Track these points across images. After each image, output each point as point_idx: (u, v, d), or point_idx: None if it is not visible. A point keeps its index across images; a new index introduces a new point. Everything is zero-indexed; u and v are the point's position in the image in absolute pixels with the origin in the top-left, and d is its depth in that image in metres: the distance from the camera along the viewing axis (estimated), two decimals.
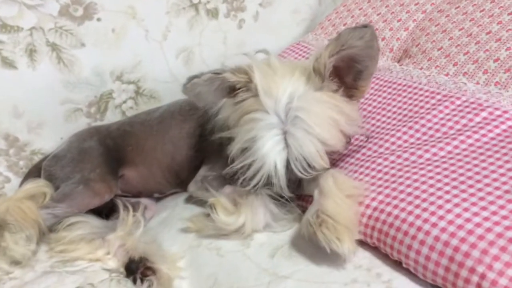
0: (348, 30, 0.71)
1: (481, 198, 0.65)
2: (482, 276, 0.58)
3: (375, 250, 0.73)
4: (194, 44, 1.26)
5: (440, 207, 0.66)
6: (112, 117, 1.17)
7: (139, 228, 0.84)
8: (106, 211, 0.92)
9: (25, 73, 1.07)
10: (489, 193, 0.66)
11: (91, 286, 0.74)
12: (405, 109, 0.90)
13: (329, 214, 0.70)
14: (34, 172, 1.04)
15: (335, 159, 0.86)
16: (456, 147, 0.77)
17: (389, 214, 0.71)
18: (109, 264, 0.80)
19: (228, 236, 0.80)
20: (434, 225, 0.65)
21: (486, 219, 0.62)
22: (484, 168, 0.70)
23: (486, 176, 0.69)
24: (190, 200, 0.97)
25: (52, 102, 1.12)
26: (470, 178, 0.69)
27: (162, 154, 0.99)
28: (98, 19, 1.13)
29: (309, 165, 0.75)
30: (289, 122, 0.74)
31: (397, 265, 0.69)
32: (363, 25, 0.70)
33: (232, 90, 0.79)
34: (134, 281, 0.76)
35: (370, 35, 0.71)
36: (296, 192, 0.81)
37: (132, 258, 0.77)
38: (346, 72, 0.77)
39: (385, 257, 0.71)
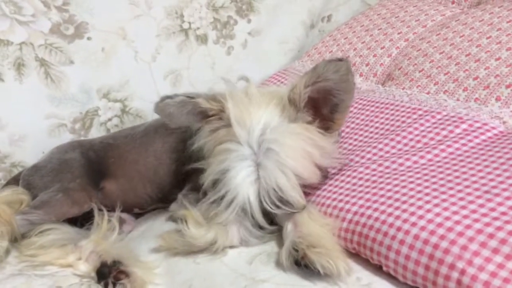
0: (324, 62, 0.70)
1: (461, 199, 0.65)
2: (462, 272, 0.56)
3: (355, 256, 0.71)
4: (183, 67, 1.28)
5: (419, 207, 0.66)
6: (96, 134, 1.17)
7: (114, 233, 0.81)
8: (81, 219, 0.90)
9: (11, 86, 1.08)
10: (469, 194, 0.65)
11: None
12: (387, 124, 0.90)
13: (314, 238, 0.69)
14: (12, 184, 1.01)
15: (312, 190, 0.82)
16: (436, 155, 0.77)
17: (369, 217, 0.70)
18: (80, 269, 0.76)
19: (199, 252, 0.77)
20: (413, 224, 0.64)
21: (465, 217, 0.61)
22: (463, 173, 0.70)
23: (465, 180, 0.68)
24: (171, 217, 0.95)
25: (37, 116, 1.12)
26: (450, 181, 0.69)
27: (144, 167, 0.98)
28: (89, 38, 1.15)
29: (281, 199, 0.73)
30: (262, 154, 0.72)
31: (377, 269, 0.68)
32: (338, 59, 0.70)
33: (205, 116, 0.78)
34: (106, 286, 0.72)
35: (346, 69, 0.70)
36: (275, 222, 0.79)
37: (104, 262, 0.73)
38: (322, 104, 0.76)
39: (366, 263, 0.70)
